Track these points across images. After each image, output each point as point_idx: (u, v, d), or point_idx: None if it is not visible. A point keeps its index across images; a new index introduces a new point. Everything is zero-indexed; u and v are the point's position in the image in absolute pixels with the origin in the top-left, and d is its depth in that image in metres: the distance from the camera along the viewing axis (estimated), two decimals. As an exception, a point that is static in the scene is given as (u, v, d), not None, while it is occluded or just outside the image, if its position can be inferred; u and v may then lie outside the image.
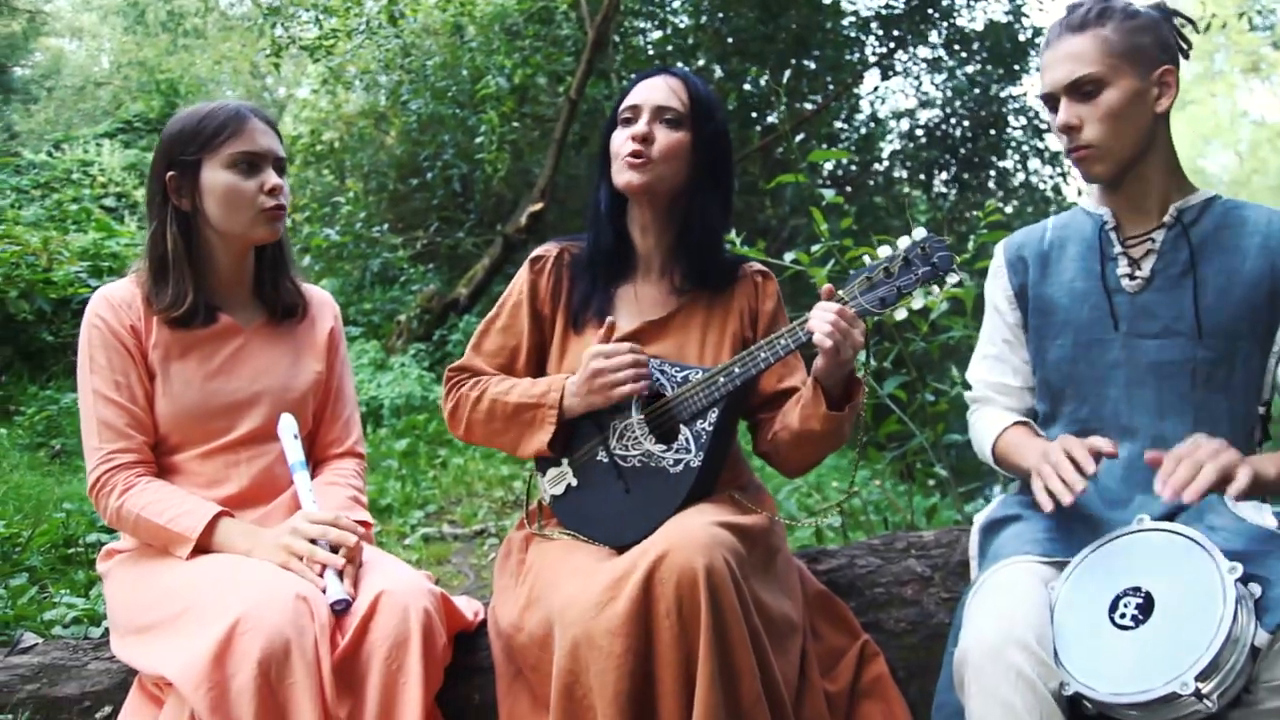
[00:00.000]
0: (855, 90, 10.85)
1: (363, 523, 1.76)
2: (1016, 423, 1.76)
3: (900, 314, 1.61)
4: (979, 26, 10.46)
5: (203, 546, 1.64)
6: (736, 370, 1.67)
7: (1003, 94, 10.73)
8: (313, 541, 1.61)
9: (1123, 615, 1.39)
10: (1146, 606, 1.38)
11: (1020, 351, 1.80)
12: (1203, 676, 1.27)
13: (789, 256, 2.94)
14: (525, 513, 1.91)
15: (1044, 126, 10.62)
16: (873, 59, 10.79)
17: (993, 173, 11.16)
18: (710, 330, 1.86)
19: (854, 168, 10.94)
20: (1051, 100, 1.64)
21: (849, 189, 10.47)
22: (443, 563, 3.82)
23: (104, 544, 1.86)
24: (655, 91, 1.81)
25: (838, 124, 10.97)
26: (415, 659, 1.50)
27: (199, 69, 15.46)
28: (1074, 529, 1.58)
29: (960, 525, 2.46)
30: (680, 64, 9.29)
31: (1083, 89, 1.59)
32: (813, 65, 10.13)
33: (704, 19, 9.70)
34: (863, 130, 11.15)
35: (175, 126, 1.76)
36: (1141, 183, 1.65)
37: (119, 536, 1.82)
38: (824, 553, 2.06)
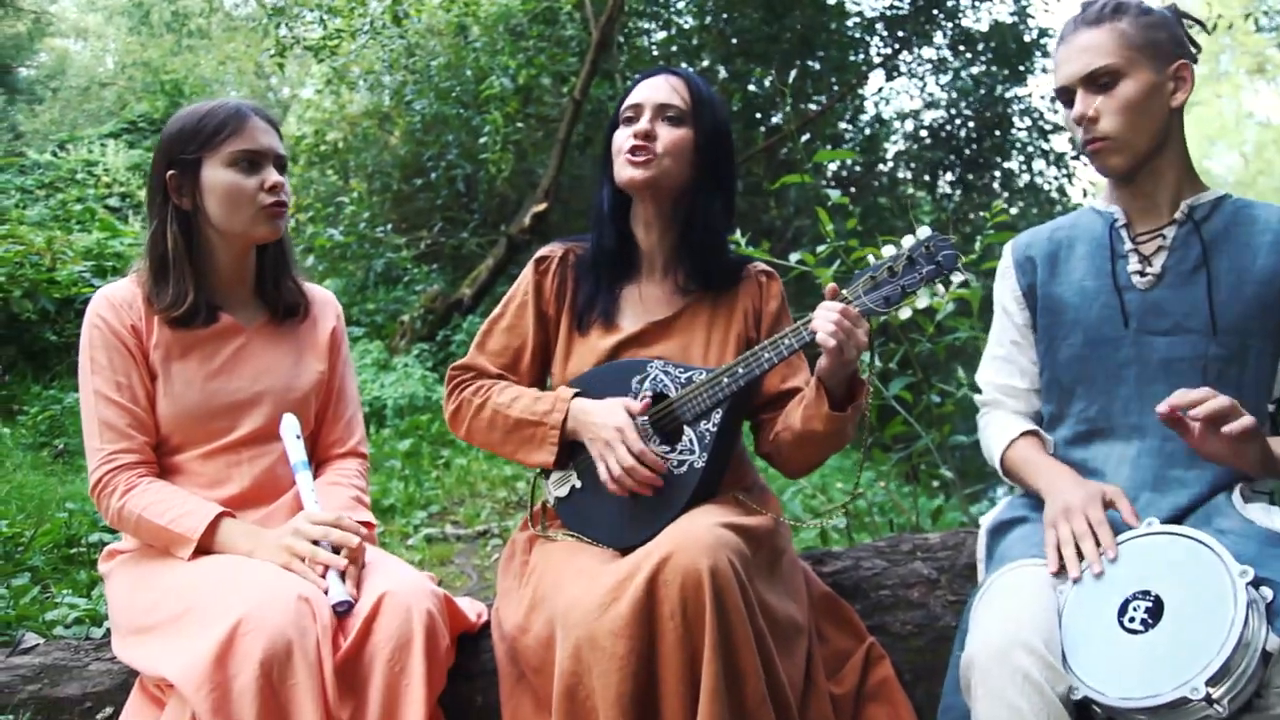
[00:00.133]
0: (860, 91, 10.83)
1: (365, 523, 1.76)
2: (1026, 433, 1.75)
3: (905, 313, 1.61)
4: (984, 27, 10.44)
5: (204, 547, 1.64)
6: (740, 371, 1.66)
7: (1008, 95, 10.70)
8: (315, 543, 1.60)
9: (1132, 619, 1.38)
10: (1156, 610, 1.37)
11: (1028, 352, 1.80)
12: (1213, 681, 1.26)
13: (794, 257, 2.93)
14: (529, 514, 1.90)
15: (1049, 127, 10.60)
16: (877, 60, 10.78)
17: (997, 174, 11.13)
18: (714, 330, 1.85)
19: (858, 169, 10.93)
20: (1067, 94, 1.64)
21: (853, 190, 10.45)
22: (446, 564, 3.81)
23: (106, 544, 1.85)
24: (657, 90, 1.81)
25: (842, 125, 10.96)
26: (418, 660, 1.49)
27: (203, 69, 15.48)
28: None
29: (966, 527, 2.45)
30: (685, 65, 9.27)
31: (1100, 80, 1.59)
32: (817, 66, 10.11)
33: (708, 19, 9.70)
34: (867, 131, 11.13)
35: (175, 125, 1.76)
36: (1155, 178, 1.65)
37: (121, 537, 1.81)
38: (829, 554, 2.05)
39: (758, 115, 9.95)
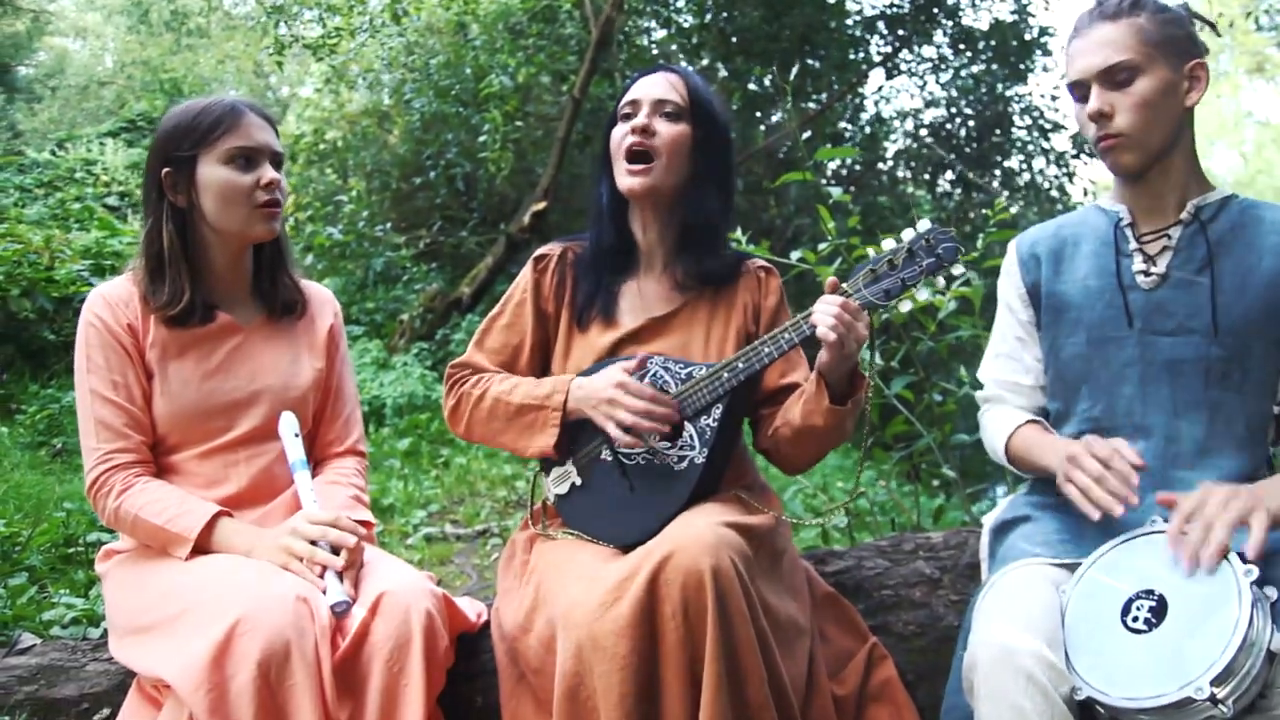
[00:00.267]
0: (860, 90, 10.83)
1: (364, 522, 1.75)
2: (1029, 421, 1.74)
3: (905, 306, 1.61)
4: (984, 26, 10.44)
5: (201, 547, 1.63)
6: (740, 365, 1.66)
7: (1008, 93, 10.70)
8: (313, 543, 1.59)
9: (1135, 618, 1.37)
10: (1160, 609, 1.36)
11: (1033, 349, 1.78)
12: (1218, 681, 1.25)
13: (795, 255, 2.92)
14: (529, 513, 1.89)
15: (1049, 126, 10.59)
16: (877, 58, 10.77)
17: (998, 172, 11.13)
18: (714, 326, 1.85)
19: (858, 167, 10.92)
20: (1080, 88, 1.62)
21: (853, 189, 10.45)
22: (445, 563, 3.81)
23: (104, 544, 1.84)
24: (655, 86, 1.82)
25: (842, 124, 10.96)
26: (417, 661, 1.48)
27: (202, 68, 15.48)
28: (1085, 530, 1.56)
29: (969, 526, 2.44)
30: (684, 63, 9.28)
31: (1116, 76, 1.57)
32: (817, 65, 10.10)
33: (708, 18, 9.69)
34: (867, 130, 11.13)
35: (170, 122, 1.74)
36: (1164, 178, 1.64)
37: (118, 536, 1.80)
38: (831, 554, 2.04)
39: (757, 114, 9.95)
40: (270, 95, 16.17)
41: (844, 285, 1.62)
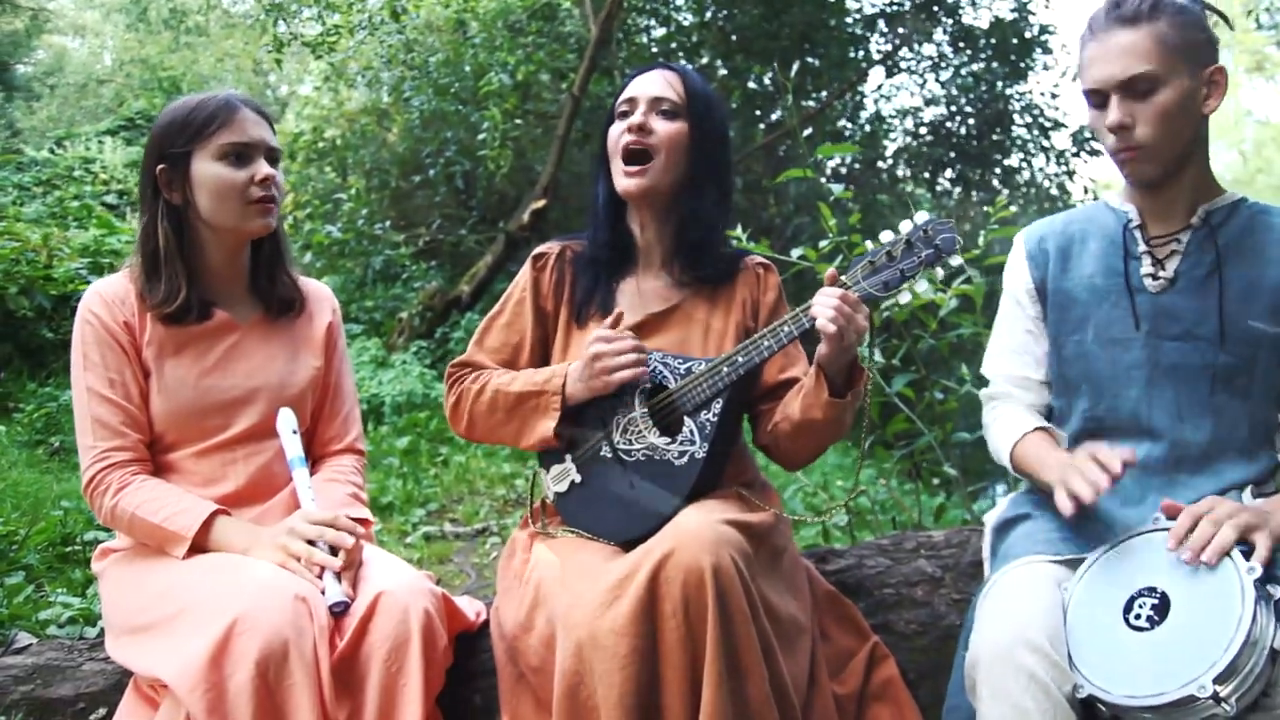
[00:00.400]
0: (860, 88, 10.82)
1: (362, 520, 1.74)
2: (1037, 429, 1.71)
3: (904, 297, 1.60)
4: (984, 24, 10.43)
5: (199, 546, 1.62)
6: (740, 359, 1.65)
7: (1008, 91, 10.69)
8: (311, 542, 1.58)
9: (1138, 616, 1.36)
10: (1162, 607, 1.36)
11: (1042, 343, 1.76)
12: (1221, 679, 1.25)
13: (796, 253, 2.91)
14: (529, 511, 1.89)
15: (1049, 124, 10.57)
16: (877, 56, 10.76)
17: (998, 170, 11.13)
18: (713, 322, 1.85)
19: (858, 166, 10.92)
20: (1097, 95, 1.56)
21: (853, 187, 10.44)
22: (444, 562, 3.80)
23: (101, 542, 1.83)
24: (651, 84, 1.82)
25: (842, 122, 10.95)
26: (415, 660, 1.48)
27: (201, 66, 15.47)
28: (1087, 528, 1.56)
29: (970, 525, 2.43)
30: (684, 61, 9.26)
31: (1137, 87, 1.51)
32: (817, 63, 10.10)
33: (708, 16, 9.68)
34: (867, 128, 11.12)
35: (165, 118, 1.74)
36: (1177, 183, 1.61)
37: (115, 535, 1.79)
38: (832, 552, 2.03)
39: (757, 112, 9.94)
40: (269, 93, 16.16)
41: (843, 277, 1.61)
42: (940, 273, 1.56)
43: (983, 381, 1.87)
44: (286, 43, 8.51)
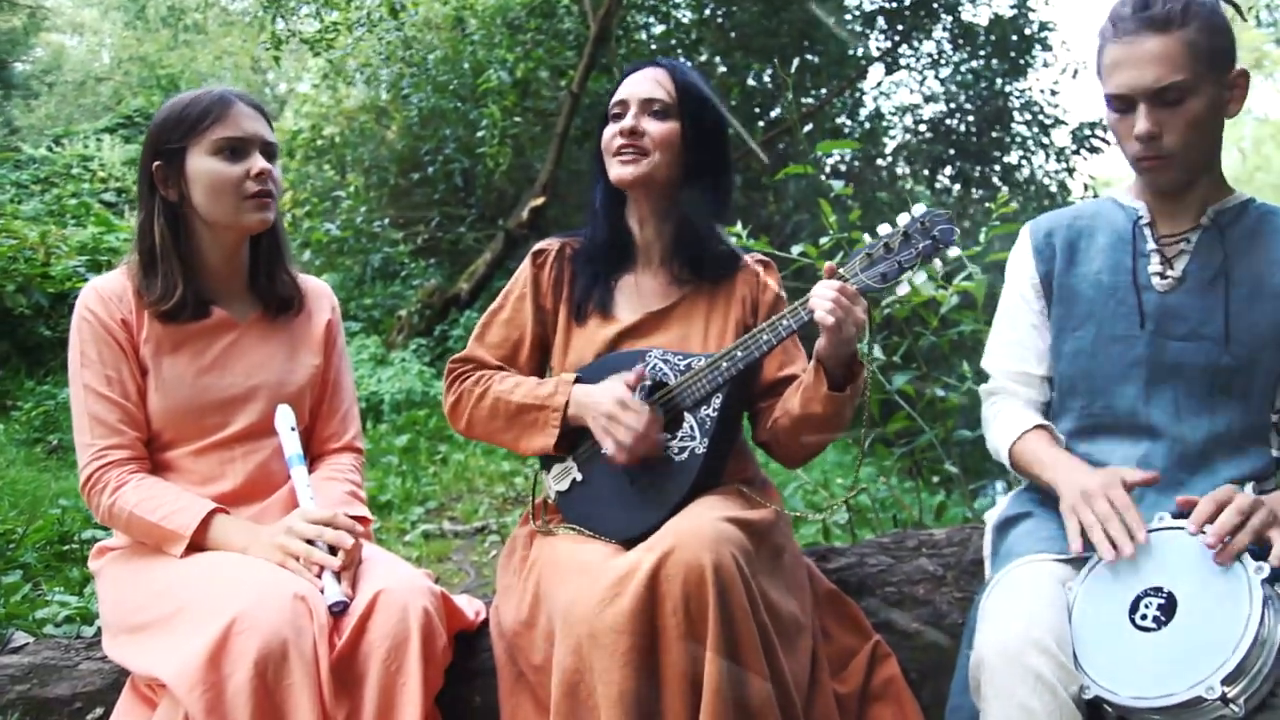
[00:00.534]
0: (859, 85, 10.81)
1: (361, 519, 1.73)
2: (1037, 426, 1.70)
3: (902, 289, 1.61)
4: (984, 21, 10.43)
5: (197, 544, 1.61)
6: (739, 354, 1.65)
7: (1008, 89, 10.68)
8: (310, 542, 1.57)
9: (1144, 616, 1.35)
10: (1169, 607, 1.34)
11: (1046, 337, 1.75)
12: (1229, 680, 1.24)
13: (796, 250, 2.90)
14: (530, 509, 1.88)
15: (1049, 121, 10.56)
16: (876, 54, 10.75)
17: (997, 167, 11.13)
18: (713, 319, 1.84)
19: (857, 163, 10.92)
20: (1122, 100, 1.53)
21: (852, 184, 10.44)
22: (443, 560, 3.79)
23: (99, 541, 1.82)
24: (641, 84, 1.81)
25: (841, 119, 10.94)
26: (414, 660, 1.47)
27: (200, 64, 15.47)
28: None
29: (971, 523, 2.42)
30: (683, 58, 9.25)
31: (1167, 96, 1.48)
32: (816, 60, 10.09)
33: (707, 13, 9.67)
34: (866, 125, 11.12)
35: (161, 115, 1.73)
36: (1193, 186, 1.60)
37: (113, 534, 1.78)
38: (833, 551, 2.02)
39: (756, 110, 9.92)
40: (268, 91, 16.15)
41: (841, 270, 1.61)
42: (939, 265, 1.55)
43: (983, 378, 1.85)
44: (285, 40, 8.51)
